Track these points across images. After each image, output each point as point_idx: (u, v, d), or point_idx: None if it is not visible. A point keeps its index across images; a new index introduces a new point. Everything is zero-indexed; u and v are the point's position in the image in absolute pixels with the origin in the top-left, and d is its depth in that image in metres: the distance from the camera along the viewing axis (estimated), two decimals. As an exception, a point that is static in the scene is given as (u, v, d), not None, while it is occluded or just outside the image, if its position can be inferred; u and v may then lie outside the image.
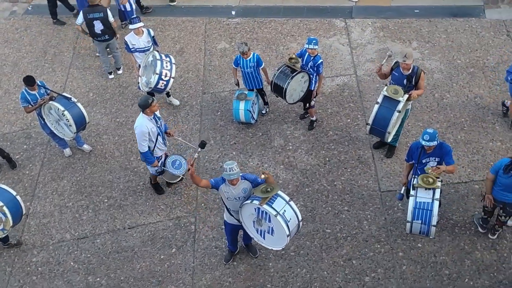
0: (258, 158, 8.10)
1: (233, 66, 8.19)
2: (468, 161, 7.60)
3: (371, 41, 9.56)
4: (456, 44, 9.30)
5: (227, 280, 6.77)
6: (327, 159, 7.97)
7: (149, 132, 6.84)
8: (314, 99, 8.04)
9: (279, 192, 5.90)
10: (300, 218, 5.93)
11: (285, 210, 5.78)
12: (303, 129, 8.42)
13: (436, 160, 6.18)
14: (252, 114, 8.35)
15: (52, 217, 7.71)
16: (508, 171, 5.91)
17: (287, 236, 5.76)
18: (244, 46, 7.82)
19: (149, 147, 6.98)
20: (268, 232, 6.00)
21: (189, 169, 5.89)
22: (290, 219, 5.79)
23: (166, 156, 7.36)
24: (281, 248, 6.13)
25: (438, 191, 5.95)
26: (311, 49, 7.50)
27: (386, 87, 6.94)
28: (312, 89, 7.89)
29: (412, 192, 5.99)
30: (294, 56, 7.68)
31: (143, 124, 6.81)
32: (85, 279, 6.94)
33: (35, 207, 7.81)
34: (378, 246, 6.88)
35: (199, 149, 6.16)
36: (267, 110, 8.74)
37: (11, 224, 6.72)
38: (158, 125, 6.95)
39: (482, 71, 8.75)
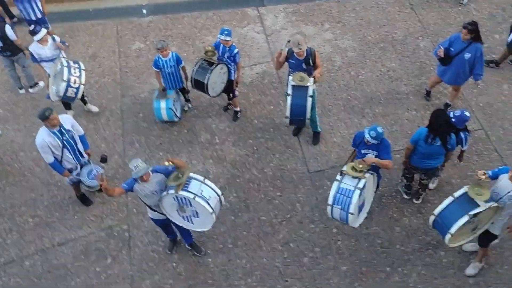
0: (186, 156, 8.00)
1: (154, 69, 7.96)
2: (387, 132, 7.89)
3: (285, 26, 9.68)
4: (365, 21, 9.60)
5: (168, 283, 6.67)
6: (255, 147, 8.00)
7: (49, 146, 6.58)
8: (236, 88, 8.04)
9: (192, 175, 5.95)
10: (219, 193, 6.02)
11: (202, 190, 5.85)
12: (228, 121, 8.39)
13: (374, 153, 6.19)
14: (174, 112, 8.22)
15: (-27, 245, 7.24)
16: (429, 140, 6.15)
17: (211, 213, 5.86)
18: (162, 42, 7.70)
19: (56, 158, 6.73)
20: (194, 216, 6.06)
21: (101, 185, 5.76)
22: (210, 197, 5.89)
23: (82, 166, 7.07)
24: (210, 227, 6.16)
25: (363, 181, 5.87)
26: (223, 39, 7.47)
27: (290, 77, 6.99)
28: (232, 79, 7.88)
29: (338, 177, 6.02)
30: (209, 48, 7.61)
31: (40, 136, 6.58)
32: (17, 306, 6.60)
33: (-48, 238, 7.30)
34: (313, 226, 7.02)
35: (102, 165, 6.01)
36: (190, 107, 8.64)
37: None
38: (64, 139, 6.64)
39: (391, 45, 9.10)
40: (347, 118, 8.06)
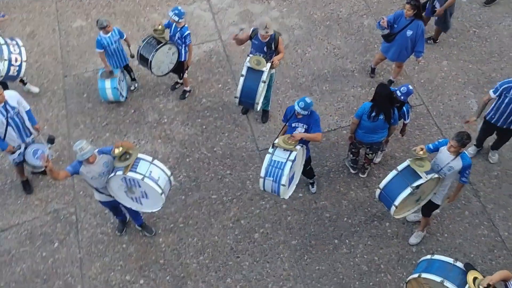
0: (134, 136, 7.85)
1: (98, 50, 7.68)
2: (334, 109, 8.06)
3: (232, 4, 9.59)
4: (309, -1, 9.67)
5: (118, 264, 6.59)
6: (204, 126, 7.96)
7: None
8: (186, 71, 7.93)
9: (140, 155, 5.87)
10: (169, 173, 5.98)
11: (151, 171, 5.79)
12: (176, 100, 8.29)
13: (304, 126, 6.27)
14: (120, 92, 8.02)
15: None
16: (372, 118, 6.32)
17: (161, 194, 5.82)
18: (103, 20, 7.43)
19: None
20: (143, 197, 6.00)
21: (46, 167, 5.56)
22: (159, 177, 5.84)
23: (27, 145, 6.82)
24: (160, 208, 6.12)
25: (294, 154, 5.95)
26: (172, 19, 7.32)
27: (248, 57, 6.95)
28: (182, 60, 7.76)
29: (271, 149, 6.04)
30: (159, 27, 7.43)
31: None
32: (-42, 295, 6.33)
33: None
34: (263, 202, 7.11)
35: (49, 145, 5.81)
36: (136, 86, 8.45)
37: None
38: (9, 116, 6.39)
39: (337, 23, 9.22)
40: (295, 96, 8.15)
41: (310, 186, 7.14)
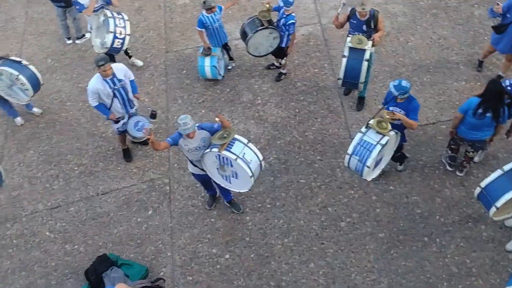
0: (228, 115, 8.03)
1: (198, 28, 7.86)
2: (434, 102, 7.72)
3: (334, -12, 9.41)
4: (418, -14, 9.24)
5: (206, 237, 6.83)
6: (297, 110, 7.96)
7: (98, 93, 6.75)
8: (286, 57, 7.97)
9: (237, 136, 5.99)
10: (261, 158, 6.05)
11: (244, 153, 5.90)
12: (271, 82, 8.35)
13: (402, 112, 6.11)
14: (218, 70, 8.21)
15: (22, 189, 7.54)
16: (478, 115, 5.99)
17: (251, 177, 5.92)
18: (211, 1, 7.59)
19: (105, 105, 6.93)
20: (233, 176, 6.14)
21: (148, 139, 5.87)
22: (251, 160, 5.93)
23: (130, 116, 7.20)
24: (247, 190, 6.26)
25: (386, 138, 5.85)
26: (283, 7, 7.40)
27: (349, 38, 6.86)
28: (283, 46, 7.79)
29: (363, 129, 6.00)
30: (267, 5, 7.50)
31: (92, 83, 6.76)
32: (62, 248, 6.88)
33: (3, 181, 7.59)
34: (352, 192, 7.02)
35: (152, 120, 6.07)
36: (233, 66, 8.61)
37: None
38: (116, 88, 6.77)
39: (445, 11, 8.76)
40: (394, 86, 7.88)
41: (398, 164, 6.96)
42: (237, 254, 6.62)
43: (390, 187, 6.97)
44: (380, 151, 5.86)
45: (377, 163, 6.15)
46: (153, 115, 5.97)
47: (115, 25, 7.78)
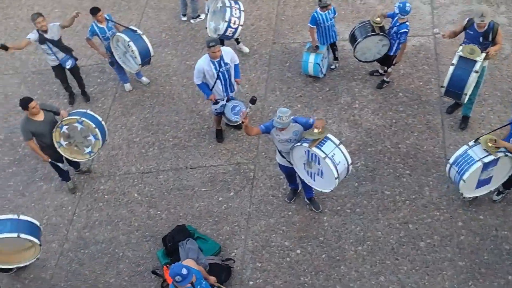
0: (323, 113, 8.03)
1: (311, 25, 7.91)
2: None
3: (455, 1, 9.03)
4: (549, 11, 8.63)
5: (281, 228, 6.91)
6: (394, 121, 7.78)
7: (204, 73, 6.99)
8: (392, 65, 7.83)
9: (329, 136, 5.98)
10: (349, 161, 6.00)
11: (334, 153, 5.88)
12: (372, 88, 8.22)
13: None
14: (321, 68, 8.23)
15: (120, 150, 8.07)
16: None
17: (336, 178, 5.90)
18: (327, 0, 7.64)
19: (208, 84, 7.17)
20: (318, 175, 6.14)
21: (242, 122, 6.00)
22: (339, 162, 5.90)
23: (229, 100, 7.43)
24: (330, 190, 6.25)
25: (490, 157, 5.74)
26: (397, 15, 7.27)
27: (460, 47, 6.60)
28: (391, 54, 7.65)
29: (471, 143, 5.86)
30: (378, 19, 7.39)
31: (200, 62, 7.01)
32: (147, 211, 7.30)
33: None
34: (437, 213, 6.75)
35: (250, 105, 6.20)
36: (337, 66, 8.58)
37: (100, 146, 7.08)
38: (221, 70, 7.00)
39: None
40: (503, 112, 7.46)
41: (495, 194, 6.61)
42: (308, 251, 6.64)
43: (480, 216, 6.62)
44: (483, 169, 5.69)
45: (482, 182, 5.93)
46: (253, 100, 6.11)
47: (231, 15, 8.05)
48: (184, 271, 4.95)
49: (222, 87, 7.23)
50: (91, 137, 6.99)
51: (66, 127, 6.87)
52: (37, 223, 6.20)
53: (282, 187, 7.30)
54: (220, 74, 7.07)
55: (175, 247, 6.59)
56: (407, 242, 6.57)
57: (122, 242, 7.02)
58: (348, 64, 8.60)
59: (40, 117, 6.77)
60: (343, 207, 6.99)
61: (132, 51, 7.89)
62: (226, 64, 7.05)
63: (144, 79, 8.86)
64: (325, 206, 7.02)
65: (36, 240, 6.02)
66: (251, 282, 6.45)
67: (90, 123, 6.89)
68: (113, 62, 8.28)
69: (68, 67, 8.17)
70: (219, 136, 7.96)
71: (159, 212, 7.26)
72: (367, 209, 6.93)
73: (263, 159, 7.67)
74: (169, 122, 8.31)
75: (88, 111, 7.09)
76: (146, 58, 8.11)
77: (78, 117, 6.87)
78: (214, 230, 6.98)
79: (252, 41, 9.22)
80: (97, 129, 6.92)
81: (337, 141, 6.01)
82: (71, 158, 7.13)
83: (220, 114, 7.61)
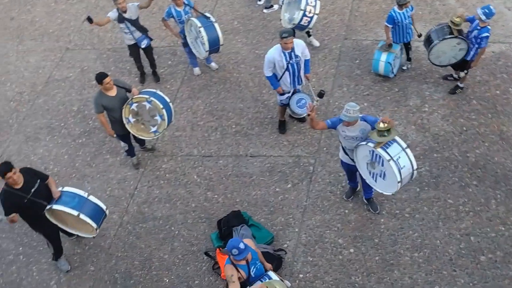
0: (390, 114, 7.84)
1: (387, 24, 7.74)
2: None
3: (544, 9, 8.56)
4: None
5: (336, 226, 6.84)
6: (464, 128, 7.48)
7: (274, 63, 6.98)
8: (467, 70, 7.53)
9: (396, 138, 5.81)
10: (415, 166, 5.82)
11: (399, 157, 5.72)
12: (444, 93, 7.94)
13: None
14: (392, 68, 8.03)
15: (184, 131, 8.25)
16: None
17: (398, 182, 5.74)
18: None
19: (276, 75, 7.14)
20: (380, 176, 6.00)
21: (309, 115, 5.95)
22: (404, 166, 5.73)
23: (295, 92, 7.39)
24: (391, 193, 6.11)
25: None
26: (480, 18, 6.97)
27: None
28: (468, 59, 7.35)
29: None
30: (457, 20, 7.11)
31: (271, 52, 7.01)
32: (204, 193, 7.43)
33: (170, 120, 8.39)
34: (503, 228, 6.45)
35: (318, 98, 6.12)
36: (409, 67, 8.34)
37: (165, 127, 7.28)
38: (291, 62, 6.98)
39: None
40: None
41: None
42: (362, 252, 6.53)
43: (549, 237, 6.27)
44: None
45: None
46: (321, 94, 6.06)
47: (307, 3, 8.01)
48: (242, 245, 5.03)
49: (290, 79, 7.21)
50: (157, 117, 7.18)
51: (136, 104, 7.09)
52: (104, 207, 6.29)
53: (341, 184, 7.21)
54: (290, 65, 7.05)
55: (229, 232, 6.68)
56: (467, 255, 6.32)
57: (179, 220, 7.19)
58: (421, 66, 8.35)
59: (113, 92, 7.02)
60: (402, 211, 6.82)
61: (202, 37, 8.02)
62: (296, 56, 7.03)
63: (213, 64, 8.99)
64: (383, 208, 6.87)
65: (94, 224, 6.14)
66: (301, 275, 6.44)
67: (159, 103, 7.07)
68: (186, 44, 8.46)
69: (143, 46, 8.42)
70: (282, 127, 7.96)
71: (216, 196, 7.38)
72: (427, 216, 6.72)
73: (324, 154, 7.60)
74: (233, 109, 8.40)
75: (158, 92, 7.28)
76: (214, 46, 8.21)
77: (147, 96, 7.06)
78: (268, 219, 7.00)
79: (323, 35, 9.13)
80: (164, 110, 7.10)
81: (404, 145, 5.84)
82: (137, 135, 7.36)
83: (285, 106, 7.60)
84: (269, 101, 8.41)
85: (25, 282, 6.87)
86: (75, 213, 6.03)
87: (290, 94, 7.39)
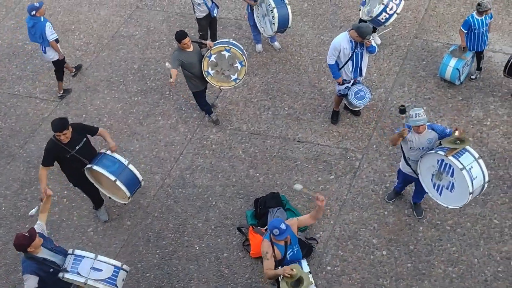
0: (448, 122, 7.56)
1: (463, 29, 7.42)
2: None
3: None
4: None
5: (372, 225, 6.73)
6: (525, 149, 7.14)
7: (340, 51, 6.87)
8: None
9: (468, 148, 5.53)
10: (487, 179, 5.56)
11: (472, 167, 5.44)
12: (510, 109, 7.57)
13: None
14: (459, 75, 7.71)
15: (236, 106, 8.28)
16: None
17: (470, 193, 5.45)
18: (487, 3, 7.08)
19: (338, 64, 7.03)
20: (447, 188, 5.70)
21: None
22: (476, 176, 5.44)
23: (354, 83, 7.24)
24: (458, 207, 5.84)
25: None
26: None
27: None
28: None
29: None
30: None
31: (338, 39, 6.90)
32: (246, 170, 7.47)
33: (225, 92, 8.42)
34: (548, 259, 6.16)
35: (398, 114, 5.83)
36: (477, 77, 7.98)
37: (245, 73, 7.48)
38: (356, 51, 6.83)
39: None
40: None
41: None
42: (394, 256, 6.41)
43: None
44: None
45: None
46: (401, 111, 5.69)
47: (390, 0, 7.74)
48: (283, 226, 5.04)
49: (352, 68, 7.07)
50: (237, 64, 7.39)
51: (215, 55, 7.29)
52: (140, 177, 6.48)
53: (385, 185, 7.07)
54: (354, 55, 6.90)
55: (264, 212, 6.71)
56: (504, 279, 6.08)
57: (217, 192, 7.27)
58: (491, 77, 7.97)
59: (191, 48, 7.24)
60: (443, 223, 6.62)
61: (273, 17, 7.96)
62: (362, 46, 6.87)
63: (276, 44, 8.93)
64: (424, 216, 6.69)
65: (127, 193, 6.34)
66: (328, 268, 6.40)
67: (237, 50, 7.28)
68: (252, 16, 8.38)
69: (215, 14, 8.45)
70: (335, 117, 7.85)
71: (257, 175, 7.40)
72: (469, 232, 6.49)
73: (373, 151, 7.45)
74: (288, 91, 8.34)
75: (231, 40, 7.52)
76: (283, 27, 8.20)
77: (226, 45, 7.25)
78: (306, 207, 6.97)
79: (393, 31, 8.85)
80: (243, 56, 7.34)
81: (477, 155, 5.55)
82: (217, 86, 7.57)
83: (342, 96, 7.47)
84: (326, 89, 8.29)
85: (65, 224, 7.19)
86: (112, 178, 6.22)
87: (349, 85, 7.25)
